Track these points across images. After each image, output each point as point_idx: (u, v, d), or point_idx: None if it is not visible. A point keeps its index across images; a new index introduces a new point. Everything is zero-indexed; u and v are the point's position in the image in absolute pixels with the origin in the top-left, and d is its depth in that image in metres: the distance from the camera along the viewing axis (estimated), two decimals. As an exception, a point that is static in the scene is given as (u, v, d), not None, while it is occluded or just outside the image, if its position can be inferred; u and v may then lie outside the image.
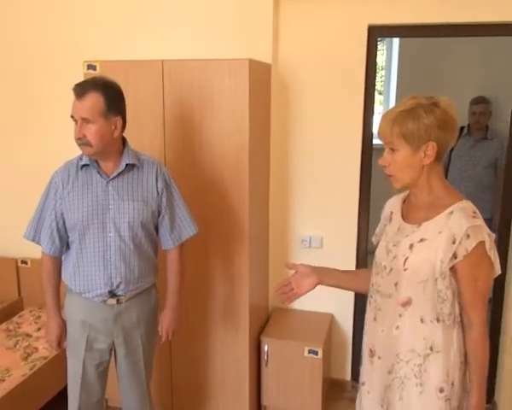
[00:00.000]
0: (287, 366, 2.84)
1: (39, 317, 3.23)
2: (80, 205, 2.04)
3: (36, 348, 2.88)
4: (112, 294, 2.10)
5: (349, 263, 3.03)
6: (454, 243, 1.51)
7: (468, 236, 1.50)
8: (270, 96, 2.90)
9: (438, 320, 1.57)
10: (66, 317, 2.20)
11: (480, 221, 1.53)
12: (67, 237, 2.11)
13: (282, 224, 3.12)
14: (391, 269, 1.64)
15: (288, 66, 2.93)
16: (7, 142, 3.41)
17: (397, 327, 1.62)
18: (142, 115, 2.61)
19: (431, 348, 1.58)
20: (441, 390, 1.58)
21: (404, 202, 1.74)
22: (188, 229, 2.24)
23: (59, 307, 2.18)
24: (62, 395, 2.47)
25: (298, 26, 2.89)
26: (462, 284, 1.56)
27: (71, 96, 1.97)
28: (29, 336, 3.02)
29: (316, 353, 2.78)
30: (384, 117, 1.60)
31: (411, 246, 1.59)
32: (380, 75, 5.15)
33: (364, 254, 3.07)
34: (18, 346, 2.91)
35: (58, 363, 2.68)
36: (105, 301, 2.10)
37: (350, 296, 3.10)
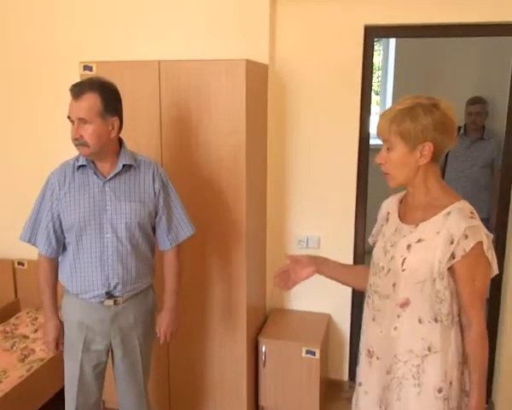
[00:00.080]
0: (284, 366, 2.84)
1: (36, 318, 3.22)
2: (77, 206, 2.03)
3: (33, 350, 2.87)
4: (109, 295, 2.10)
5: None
6: (452, 243, 1.51)
7: (466, 236, 1.50)
8: (267, 97, 2.90)
9: (436, 321, 1.57)
10: (63, 318, 2.19)
11: (477, 222, 1.53)
12: (64, 238, 2.11)
13: (279, 224, 3.12)
14: (389, 270, 1.64)
15: (285, 66, 2.94)
16: (3, 142, 3.40)
17: (395, 328, 1.62)
18: (138, 116, 2.60)
19: (429, 349, 1.58)
20: (440, 390, 1.58)
21: (400, 202, 1.74)
22: (185, 229, 2.24)
23: (56, 308, 2.18)
24: (59, 396, 2.47)
25: (295, 26, 2.89)
26: (460, 285, 1.56)
27: (69, 96, 1.96)
28: (26, 337, 3.01)
29: (313, 353, 2.78)
30: (383, 115, 1.60)
31: (409, 246, 1.59)
32: (376, 75, 5.15)
33: (362, 254, 3.08)
34: (15, 348, 2.90)
35: (55, 365, 2.67)
36: (102, 303, 2.10)
37: (347, 297, 3.10)
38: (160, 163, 2.58)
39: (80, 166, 2.06)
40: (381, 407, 1.70)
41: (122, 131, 2.09)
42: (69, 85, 1.97)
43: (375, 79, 4.62)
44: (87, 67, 2.63)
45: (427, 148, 1.54)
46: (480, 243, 1.51)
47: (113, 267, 2.07)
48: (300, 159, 3.03)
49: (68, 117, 1.97)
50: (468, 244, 1.50)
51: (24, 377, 2.61)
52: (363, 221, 3.05)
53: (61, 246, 2.13)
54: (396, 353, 1.63)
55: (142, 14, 2.98)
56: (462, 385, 1.62)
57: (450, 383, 1.59)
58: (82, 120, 1.93)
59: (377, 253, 1.71)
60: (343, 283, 1.95)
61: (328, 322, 3.09)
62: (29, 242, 2.13)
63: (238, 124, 2.50)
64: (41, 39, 3.18)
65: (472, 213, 1.55)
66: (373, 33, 2.84)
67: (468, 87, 4.16)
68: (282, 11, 2.88)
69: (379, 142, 1.63)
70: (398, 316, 1.61)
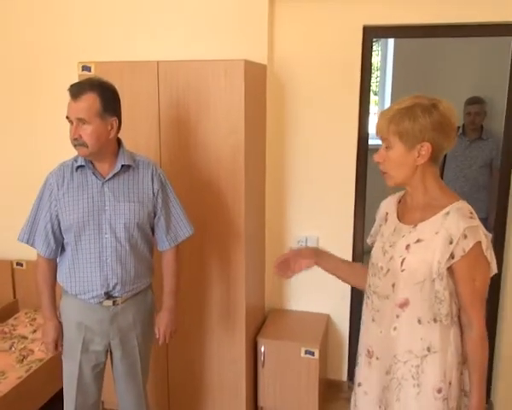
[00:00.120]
0: (283, 366, 2.84)
1: (35, 319, 3.22)
2: (76, 206, 2.03)
3: (31, 351, 2.87)
4: (108, 295, 2.09)
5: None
6: (451, 243, 1.51)
7: (466, 236, 1.50)
8: (265, 97, 2.90)
9: (435, 321, 1.57)
10: (61, 319, 2.19)
11: (476, 222, 1.53)
12: (63, 238, 2.10)
13: (278, 224, 3.12)
14: (388, 270, 1.64)
15: (284, 66, 2.94)
16: (2, 143, 3.39)
17: (394, 328, 1.62)
18: (137, 116, 2.60)
19: (428, 349, 1.58)
20: (439, 391, 1.58)
21: (399, 202, 1.74)
22: (184, 230, 2.24)
23: (55, 308, 2.17)
24: (58, 397, 2.46)
25: (293, 26, 2.89)
26: (459, 285, 1.56)
27: (68, 96, 1.96)
28: (24, 338, 3.01)
29: (312, 353, 2.78)
30: (382, 114, 1.60)
31: (408, 247, 1.59)
32: (375, 76, 5.15)
33: (361, 254, 3.08)
34: (13, 348, 2.89)
35: (54, 365, 2.66)
36: (101, 303, 2.10)
37: (346, 297, 3.10)
38: (159, 163, 2.58)
39: (79, 167, 2.06)
40: (380, 407, 1.70)
41: (121, 132, 2.08)
42: (68, 85, 1.97)
43: (373, 80, 4.61)
44: (86, 68, 2.62)
45: (425, 148, 1.54)
46: (479, 243, 1.51)
47: (112, 268, 2.07)
48: (299, 159, 3.03)
49: (67, 117, 1.97)
50: (468, 244, 1.50)
51: (23, 377, 2.61)
52: (361, 221, 3.05)
53: (60, 247, 2.13)
54: (395, 353, 1.62)
55: (141, 15, 2.98)
56: (461, 385, 1.62)
57: (450, 384, 1.59)
58: (81, 121, 1.93)
59: (376, 253, 1.71)
60: (341, 278, 1.93)
61: (327, 322, 3.09)
62: (27, 243, 2.12)
63: (237, 124, 2.50)
64: (40, 39, 3.18)
65: (471, 213, 1.55)
66: (371, 33, 2.84)
67: (467, 87, 4.16)
68: (281, 11, 2.88)
69: (378, 142, 1.63)
70: (398, 316, 1.61)
